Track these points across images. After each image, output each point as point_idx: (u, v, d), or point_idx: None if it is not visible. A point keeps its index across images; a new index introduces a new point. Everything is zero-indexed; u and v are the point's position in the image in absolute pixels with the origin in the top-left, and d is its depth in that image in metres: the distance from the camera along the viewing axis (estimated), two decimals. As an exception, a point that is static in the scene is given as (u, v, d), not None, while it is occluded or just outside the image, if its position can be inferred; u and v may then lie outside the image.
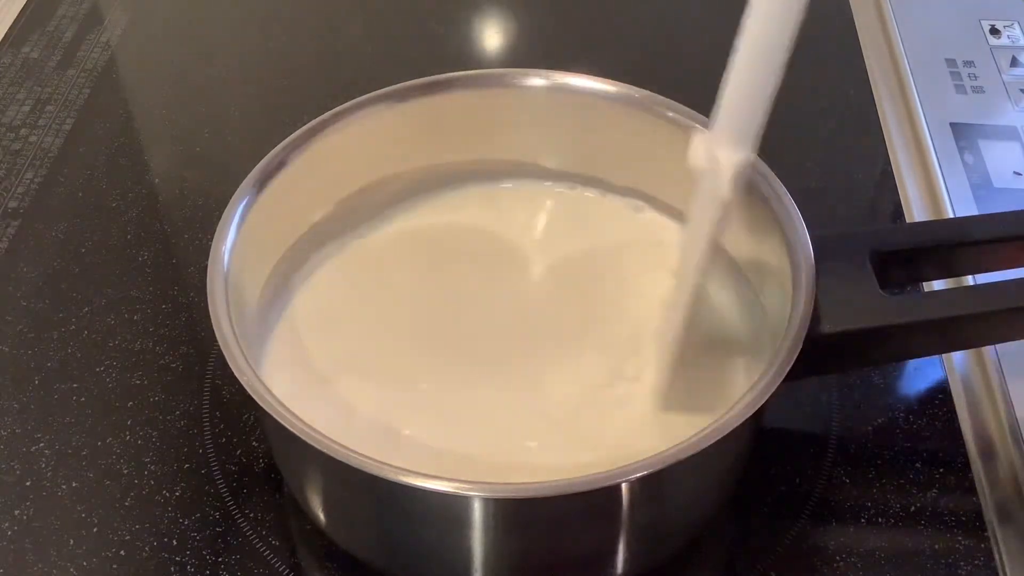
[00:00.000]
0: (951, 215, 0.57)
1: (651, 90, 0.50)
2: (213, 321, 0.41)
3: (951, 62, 0.67)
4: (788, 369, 0.39)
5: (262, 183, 0.46)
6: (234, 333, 0.40)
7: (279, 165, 0.47)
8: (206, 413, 0.50)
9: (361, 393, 0.45)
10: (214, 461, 0.48)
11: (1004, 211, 0.56)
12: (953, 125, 0.63)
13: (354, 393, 0.45)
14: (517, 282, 0.50)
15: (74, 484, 0.47)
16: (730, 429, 0.37)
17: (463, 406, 0.45)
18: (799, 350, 0.39)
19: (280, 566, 0.45)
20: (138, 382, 0.51)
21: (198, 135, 0.64)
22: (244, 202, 0.45)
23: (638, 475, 0.37)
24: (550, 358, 0.46)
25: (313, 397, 0.44)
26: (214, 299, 0.41)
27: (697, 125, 0.47)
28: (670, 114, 0.49)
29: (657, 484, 0.38)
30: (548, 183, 0.53)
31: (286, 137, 0.47)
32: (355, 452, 0.37)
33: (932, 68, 0.67)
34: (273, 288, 0.48)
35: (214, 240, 0.43)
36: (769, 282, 0.46)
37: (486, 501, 0.37)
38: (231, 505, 0.46)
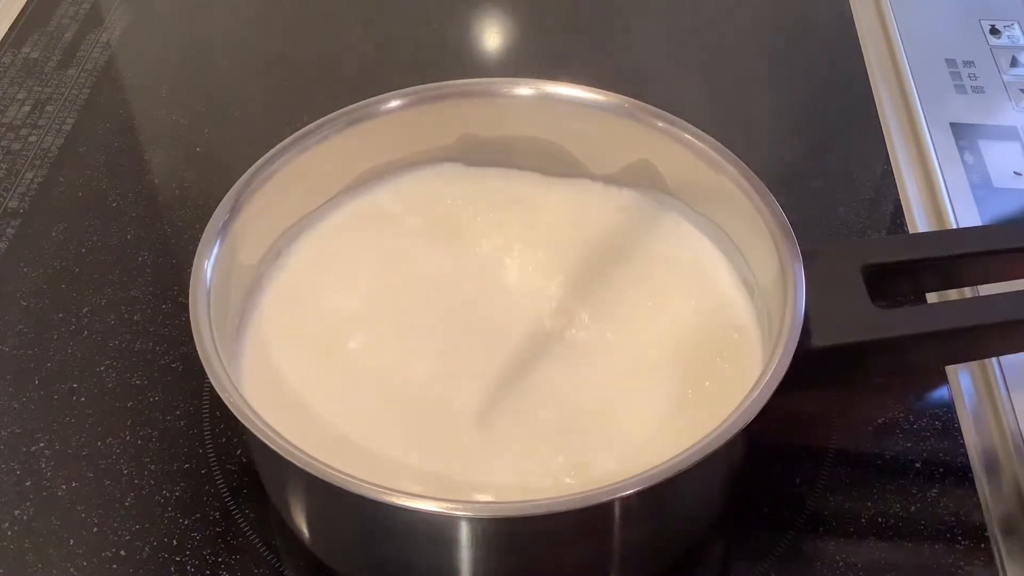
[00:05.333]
0: (951, 215, 0.57)
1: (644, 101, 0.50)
2: (197, 343, 0.40)
3: (951, 62, 0.67)
4: (776, 385, 0.38)
5: (241, 194, 0.45)
6: (217, 352, 0.40)
7: (260, 177, 0.46)
8: (206, 413, 0.50)
9: (342, 401, 0.44)
10: (214, 461, 0.48)
11: (995, 224, 0.56)
12: (953, 125, 0.63)
13: (332, 402, 0.44)
14: (511, 287, 0.49)
15: (74, 484, 0.47)
16: (717, 447, 0.37)
17: (450, 417, 0.44)
18: (787, 366, 0.39)
19: (280, 566, 0.45)
20: (138, 382, 0.51)
21: (198, 135, 0.64)
22: (224, 219, 0.44)
23: (626, 493, 0.36)
24: (539, 364, 0.45)
25: (287, 410, 0.43)
26: (197, 322, 0.41)
27: (687, 135, 0.47)
28: (659, 124, 0.48)
29: (646, 502, 0.38)
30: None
31: (285, 138, 0.47)
32: (343, 473, 0.36)
33: (932, 68, 0.67)
34: (244, 295, 0.47)
35: (196, 258, 0.43)
36: (766, 293, 0.46)
37: (471, 521, 0.37)
38: (231, 505, 0.46)
